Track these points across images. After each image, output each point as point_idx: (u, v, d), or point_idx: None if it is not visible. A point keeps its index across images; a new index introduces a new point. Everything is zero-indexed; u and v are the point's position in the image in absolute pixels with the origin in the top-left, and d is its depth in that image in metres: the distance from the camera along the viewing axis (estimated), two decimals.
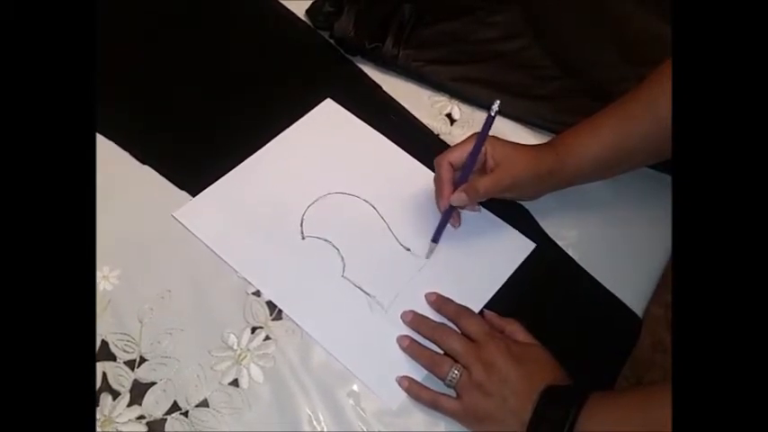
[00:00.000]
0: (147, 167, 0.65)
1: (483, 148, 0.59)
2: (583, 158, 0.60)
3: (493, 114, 0.59)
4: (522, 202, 0.66)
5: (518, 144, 0.61)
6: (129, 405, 0.54)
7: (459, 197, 0.59)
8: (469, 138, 0.60)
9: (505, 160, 0.59)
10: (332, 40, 0.76)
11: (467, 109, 0.73)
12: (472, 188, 0.59)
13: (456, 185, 0.60)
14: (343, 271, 0.61)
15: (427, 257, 0.62)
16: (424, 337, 0.58)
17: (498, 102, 0.59)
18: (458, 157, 0.60)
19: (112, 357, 0.56)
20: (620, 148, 0.59)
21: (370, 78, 0.74)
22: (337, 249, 0.62)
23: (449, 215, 0.62)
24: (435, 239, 0.62)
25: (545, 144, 0.62)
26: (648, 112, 0.58)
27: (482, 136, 0.59)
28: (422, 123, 0.72)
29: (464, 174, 0.60)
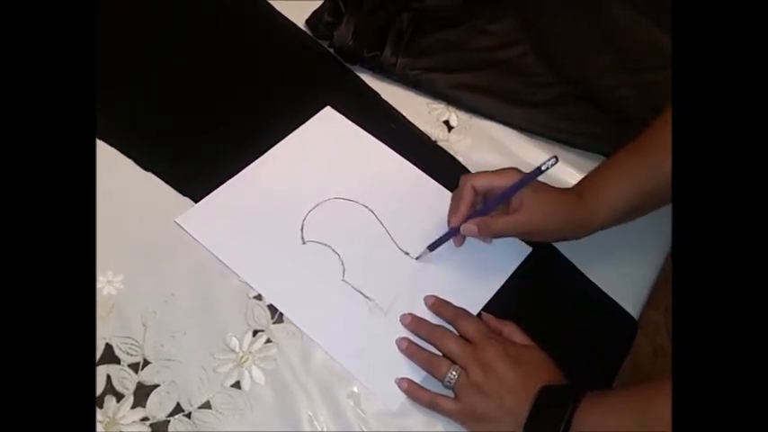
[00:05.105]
0: (150, 174, 0.66)
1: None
2: (611, 207, 0.59)
3: (544, 169, 0.57)
4: None
5: (548, 189, 0.59)
6: (133, 407, 0.55)
7: (470, 228, 0.59)
8: (504, 171, 0.59)
9: (529, 205, 0.57)
10: (331, 50, 0.77)
11: (464, 116, 0.74)
12: (486, 224, 0.58)
13: (475, 210, 0.60)
14: (343, 275, 0.62)
15: (417, 259, 0.63)
16: (423, 339, 0.59)
17: (556, 158, 0.57)
18: (484, 184, 0.59)
19: (117, 360, 0.56)
20: (649, 193, 0.58)
21: (368, 86, 0.75)
22: (337, 254, 0.63)
23: (454, 233, 0.61)
24: (432, 248, 0.63)
25: (572, 193, 0.60)
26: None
27: (520, 184, 0.58)
28: (420, 130, 0.73)
29: (487, 207, 0.59)
